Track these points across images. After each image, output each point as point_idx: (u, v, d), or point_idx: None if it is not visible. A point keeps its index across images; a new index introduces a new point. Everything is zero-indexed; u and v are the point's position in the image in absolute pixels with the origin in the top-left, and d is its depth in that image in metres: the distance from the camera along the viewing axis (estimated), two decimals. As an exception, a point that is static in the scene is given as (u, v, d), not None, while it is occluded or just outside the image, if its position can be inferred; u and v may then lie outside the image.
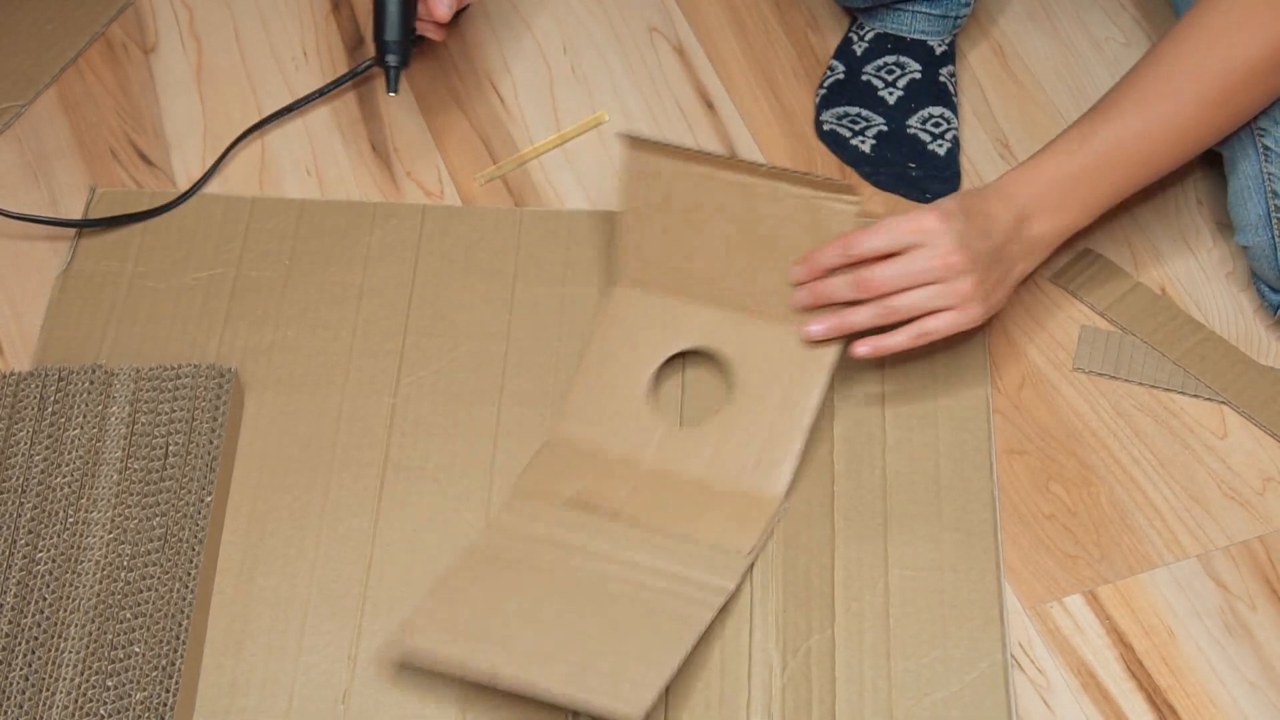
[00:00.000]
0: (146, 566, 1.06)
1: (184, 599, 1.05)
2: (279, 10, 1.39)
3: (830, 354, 1.12)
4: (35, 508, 1.08)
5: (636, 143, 1.16)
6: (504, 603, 1.03)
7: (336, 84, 1.32)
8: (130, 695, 1.01)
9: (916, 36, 1.33)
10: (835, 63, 1.35)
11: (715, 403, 1.14)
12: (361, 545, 1.09)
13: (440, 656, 1.00)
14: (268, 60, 1.36)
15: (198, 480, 1.09)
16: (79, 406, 1.12)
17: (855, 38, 1.35)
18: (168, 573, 1.06)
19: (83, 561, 1.06)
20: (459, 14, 1.33)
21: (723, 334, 1.15)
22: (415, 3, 1.23)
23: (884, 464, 1.12)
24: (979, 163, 1.30)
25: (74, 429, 1.11)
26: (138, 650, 1.03)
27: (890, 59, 1.33)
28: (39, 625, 1.03)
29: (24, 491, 1.08)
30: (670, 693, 1.03)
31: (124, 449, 1.10)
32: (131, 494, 1.08)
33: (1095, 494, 1.13)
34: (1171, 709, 1.04)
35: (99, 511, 1.07)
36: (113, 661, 1.02)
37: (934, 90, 1.32)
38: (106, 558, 1.06)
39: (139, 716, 1.00)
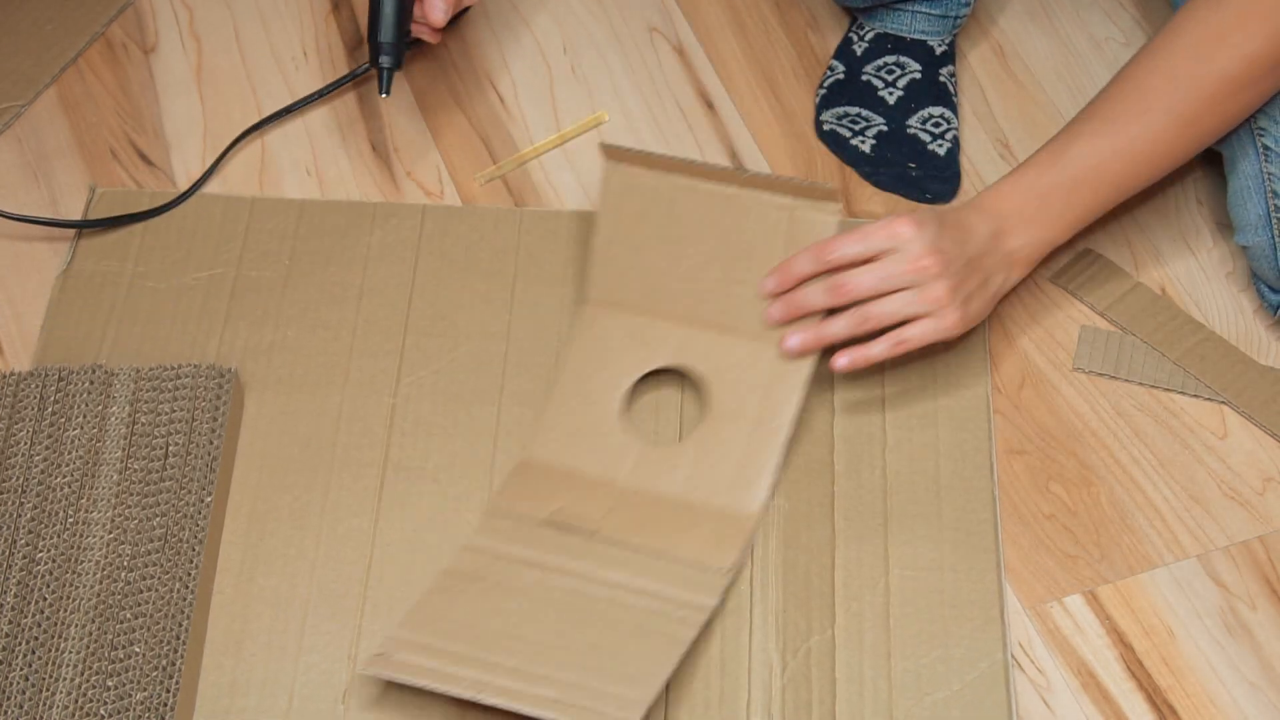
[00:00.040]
0: (146, 566, 1.06)
1: (184, 599, 1.05)
2: (279, 10, 1.39)
3: (804, 371, 1.12)
4: (35, 508, 1.08)
5: (615, 153, 1.16)
6: (486, 622, 1.03)
7: (334, 86, 1.32)
8: (130, 695, 1.01)
9: (916, 36, 1.33)
10: (835, 63, 1.35)
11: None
12: (361, 545, 1.09)
13: (423, 673, 1.00)
14: (268, 60, 1.36)
15: (198, 480, 1.09)
16: (79, 406, 1.12)
17: (855, 38, 1.35)
18: (168, 573, 1.06)
19: (83, 561, 1.06)
20: (458, 16, 1.33)
21: (696, 352, 1.14)
22: (411, 6, 1.23)
23: (884, 464, 1.12)
24: (979, 163, 1.30)
25: (74, 429, 1.11)
26: (138, 650, 1.03)
27: (890, 59, 1.33)
28: (39, 625, 1.03)
29: (24, 491, 1.08)
30: (670, 692, 1.03)
31: (124, 449, 1.10)
32: (131, 494, 1.08)
33: (1095, 494, 1.13)
34: (1171, 709, 1.04)
35: (99, 511, 1.07)
36: (113, 661, 1.02)
37: (934, 90, 1.32)
38: (106, 558, 1.06)
39: (139, 716, 1.00)
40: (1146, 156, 1.12)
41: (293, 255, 1.23)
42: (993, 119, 1.33)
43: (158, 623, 1.04)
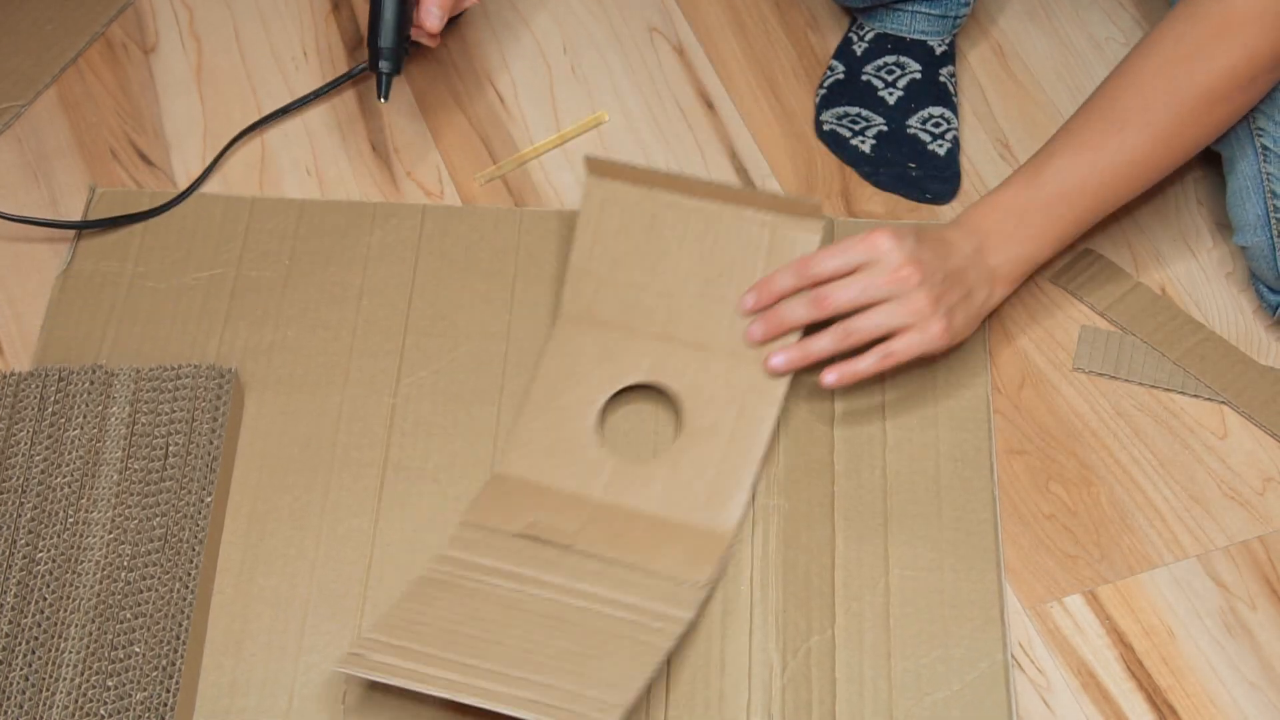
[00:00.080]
0: (146, 566, 1.06)
1: (184, 599, 1.05)
2: (279, 10, 1.39)
3: (780, 388, 1.11)
4: (35, 508, 1.08)
5: (599, 167, 1.16)
6: (461, 627, 1.02)
7: (332, 85, 1.32)
8: (130, 695, 1.01)
9: (916, 36, 1.33)
10: (835, 63, 1.35)
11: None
12: (361, 545, 1.09)
13: (398, 672, 0.99)
14: (267, 60, 1.36)
15: (198, 480, 1.09)
16: (79, 406, 1.12)
17: (855, 38, 1.35)
18: (168, 573, 1.06)
19: (83, 561, 1.06)
20: (457, 16, 1.33)
21: (671, 368, 1.13)
22: (410, 10, 1.23)
23: (884, 464, 1.12)
24: (979, 163, 1.30)
25: (74, 429, 1.11)
26: (138, 650, 1.03)
27: (890, 59, 1.33)
28: (39, 625, 1.03)
29: (24, 491, 1.08)
30: (670, 692, 1.03)
31: (124, 449, 1.10)
32: (131, 494, 1.08)
33: (1095, 494, 1.13)
34: (1171, 709, 1.04)
35: (99, 511, 1.07)
36: (113, 661, 1.02)
37: (934, 90, 1.32)
38: (106, 558, 1.06)
39: (139, 716, 1.00)
40: (1125, 173, 1.13)
41: (293, 255, 1.23)
42: (993, 119, 1.33)
43: (158, 623, 1.04)
